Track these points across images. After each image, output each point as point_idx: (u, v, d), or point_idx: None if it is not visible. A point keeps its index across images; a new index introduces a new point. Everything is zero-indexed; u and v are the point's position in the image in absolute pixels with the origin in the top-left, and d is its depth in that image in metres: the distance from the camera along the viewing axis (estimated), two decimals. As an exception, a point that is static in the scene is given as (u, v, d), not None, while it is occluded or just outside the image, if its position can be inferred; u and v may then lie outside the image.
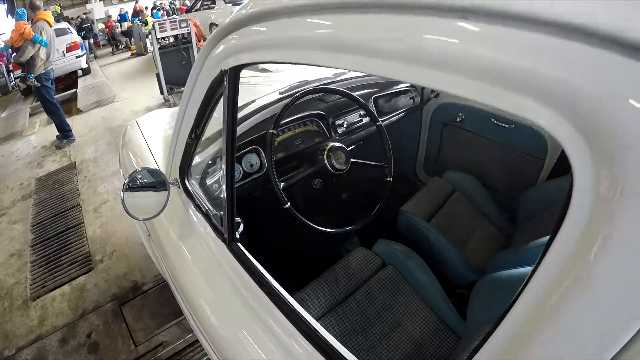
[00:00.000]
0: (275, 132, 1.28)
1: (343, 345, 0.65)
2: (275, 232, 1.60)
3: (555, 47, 0.30)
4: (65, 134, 5.21)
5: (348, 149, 1.49)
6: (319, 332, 0.67)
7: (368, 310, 1.16)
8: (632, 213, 0.27)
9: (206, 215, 1.04)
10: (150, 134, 1.85)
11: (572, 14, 0.28)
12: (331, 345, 0.64)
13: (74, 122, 6.10)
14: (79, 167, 4.38)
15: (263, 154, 1.39)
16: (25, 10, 4.48)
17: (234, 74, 0.78)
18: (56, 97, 6.66)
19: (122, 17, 13.91)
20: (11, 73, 9.27)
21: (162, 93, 5.65)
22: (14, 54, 4.63)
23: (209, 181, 1.23)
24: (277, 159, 1.46)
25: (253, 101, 1.57)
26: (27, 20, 4.42)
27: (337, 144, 1.47)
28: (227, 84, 0.79)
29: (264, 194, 1.49)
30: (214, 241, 0.98)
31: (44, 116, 6.96)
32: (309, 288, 1.19)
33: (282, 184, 1.28)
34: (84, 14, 16.37)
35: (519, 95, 0.32)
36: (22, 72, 4.73)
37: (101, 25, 15.54)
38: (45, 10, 4.69)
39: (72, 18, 13.61)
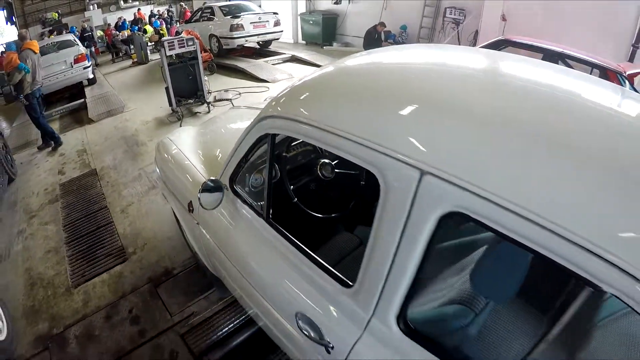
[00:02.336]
0: (286, 154, 1.88)
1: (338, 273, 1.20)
2: (287, 217, 2.19)
3: None
4: (54, 139, 6.06)
5: (333, 163, 2.11)
6: (327, 266, 1.22)
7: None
8: None
9: (250, 205, 1.59)
10: (185, 149, 2.38)
11: None
12: (334, 272, 1.19)
13: (88, 131, 6.61)
14: (100, 174, 4.88)
15: (278, 167, 1.96)
16: (13, 42, 5.61)
17: (272, 137, 1.37)
18: (65, 106, 7.38)
19: (122, 25, 14.37)
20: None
21: (170, 105, 6.17)
22: (6, 78, 5.58)
23: (250, 185, 1.80)
24: (286, 170, 2.04)
25: None
26: (16, 50, 5.44)
27: (326, 160, 2.11)
28: (269, 143, 1.39)
29: (279, 193, 2.05)
30: (256, 220, 1.55)
31: (56, 124, 7.47)
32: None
33: (291, 186, 1.86)
34: (83, 21, 16.75)
35: None
36: (14, 92, 5.65)
37: (100, 33, 15.97)
38: (32, 40, 5.77)
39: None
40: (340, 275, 1.15)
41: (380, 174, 0.98)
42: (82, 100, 8.17)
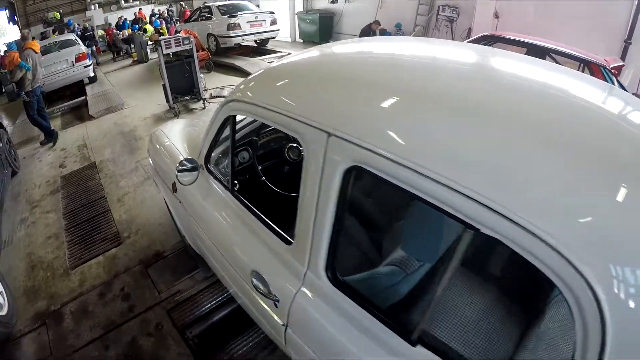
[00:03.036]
0: (257, 138, 2.07)
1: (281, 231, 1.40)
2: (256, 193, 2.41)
3: None
4: (50, 135, 6.29)
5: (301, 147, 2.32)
6: (274, 226, 1.42)
7: None
8: None
9: (219, 181, 1.79)
10: (173, 137, 2.59)
11: None
12: (279, 231, 1.39)
13: (88, 127, 6.84)
14: (99, 167, 5.10)
15: (251, 151, 2.16)
16: (15, 42, 5.92)
17: (233, 117, 1.56)
18: (66, 104, 7.64)
19: (122, 25, 14.60)
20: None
21: (167, 101, 6.39)
22: (9, 76, 5.94)
23: (221, 164, 2.00)
24: (258, 154, 2.24)
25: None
26: (17, 49, 5.73)
27: (294, 144, 2.30)
28: (231, 123, 1.61)
29: (250, 173, 2.26)
30: (224, 192, 1.76)
31: (58, 121, 7.70)
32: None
33: (260, 166, 2.07)
34: (85, 20, 17.00)
35: None
36: (16, 89, 5.81)
37: (101, 32, 16.21)
38: (33, 40, 6.06)
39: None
40: (284, 234, 1.35)
41: (301, 139, 1.20)
42: (83, 97, 8.40)
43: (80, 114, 7.82)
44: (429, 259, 1.32)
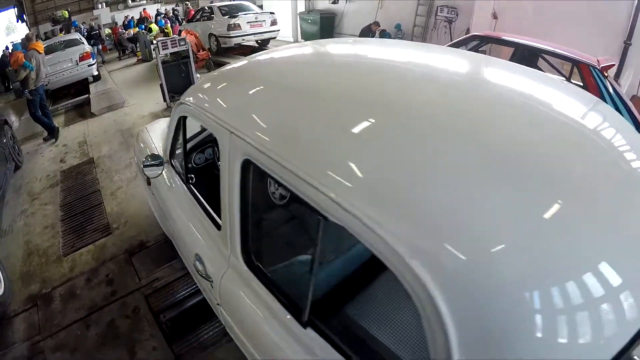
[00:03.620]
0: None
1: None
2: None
3: None
4: (52, 131, 6.57)
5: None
6: (211, 212, 1.64)
7: None
8: None
9: (178, 174, 2.04)
10: (154, 136, 2.84)
11: None
12: (214, 216, 1.61)
13: (89, 125, 7.12)
14: (96, 162, 5.37)
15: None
16: (20, 43, 6.26)
17: (184, 119, 1.81)
18: (70, 101, 7.95)
19: (128, 24, 14.92)
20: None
21: (165, 100, 6.65)
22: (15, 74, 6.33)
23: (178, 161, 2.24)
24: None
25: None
26: (22, 49, 6.05)
27: None
28: (181, 123, 1.86)
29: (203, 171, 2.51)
30: (181, 183, 2.00)
31: (62, 118, 8.01)
32: None
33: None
34: (92, 19, 17.33)
35: None
36: (20, 87, 6.09)
37: (108, 31, 16.56)
38: (37, 40, 6.46)
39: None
40: (217, 219, 1.56)
41: (217, 137, 1.44)
42: (87, 95, 8.69)
43: (83, 111, 8.11)
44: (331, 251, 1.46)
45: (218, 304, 1.58)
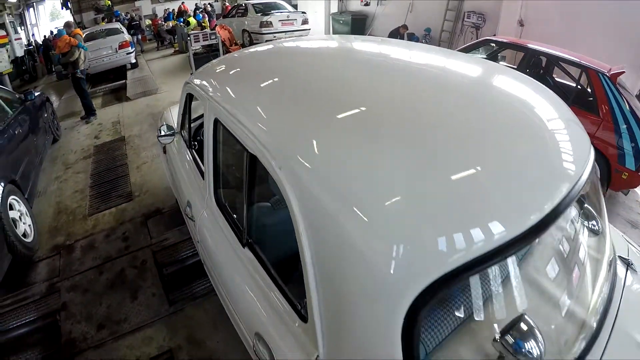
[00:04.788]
0: None
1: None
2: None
3: None
4: (91, 113, 7.12)
5: None
6: (200, 164, 1.92)
7: None
8: None
9: (185, 142, 2.33)
10: (174, 115, 3.15)
11: None
12: (201, 167, 1.88)
13: (124, 107, 7.62)
14: (127, 140, 5.81)
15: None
16: (62, 30, 6.71)
17: (190, 96, 2.12)
18: (107, 85, 8.48)
19: (168, 17, 15.61)
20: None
21: (193, 87, 7.03)
22: (60, 57, 6.76)
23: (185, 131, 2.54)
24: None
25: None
26: (67, 35, 6.57)
27: None
28: (188, 100, 2.18)
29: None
30: (186, 148, 2.31)
31: (99, 100, 8.57)
32: None
33: None
34: (133, 10, 18.11)
35: None
36: (64, 70, 6.74)
37: (148, 22, 17.32)
38: (77, 28, 7.10)
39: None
40: (203, 170, 1.86)
41: (202, 103, 1.78)
42: (123, 81, 9.26)
43: (119, 95, 8.66)
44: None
45: (198, 242, 1.85)
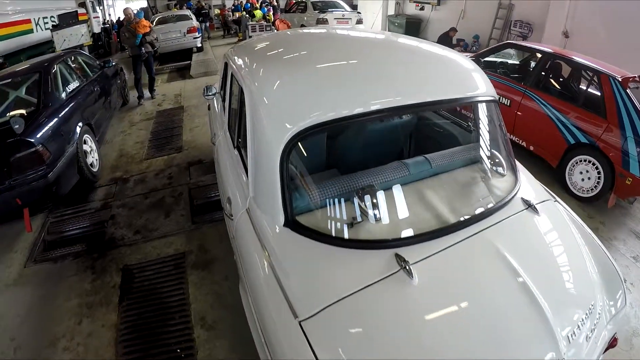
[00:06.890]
0: None
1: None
2: None
3: None
4: (151, 89, 7.84)
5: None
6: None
7: None
8: None
9: (223, 101, 2.94)
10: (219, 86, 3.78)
11: None
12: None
13: (186, 84, 8.54)
14: (185, 108, 6.71)
15: None
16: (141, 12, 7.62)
17: (226, 64, 2.78)
18: (175, 64, 9.48)
19: (236, 7, 16.61)
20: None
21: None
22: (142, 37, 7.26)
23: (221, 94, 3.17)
24: None
25: None
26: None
27: None
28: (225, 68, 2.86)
29: None
30: (221, 107, 2.97)
31: (165, 76, 9.56)
32: None
33: None
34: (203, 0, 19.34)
35: None
36: (140, 50, 7.25)
37: (217, 11, 18.45)
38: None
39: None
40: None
41: (227, 68, 2.41)
42: (188, 62, 10.25)
43: (183, 73, 9.64)
44: None
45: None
